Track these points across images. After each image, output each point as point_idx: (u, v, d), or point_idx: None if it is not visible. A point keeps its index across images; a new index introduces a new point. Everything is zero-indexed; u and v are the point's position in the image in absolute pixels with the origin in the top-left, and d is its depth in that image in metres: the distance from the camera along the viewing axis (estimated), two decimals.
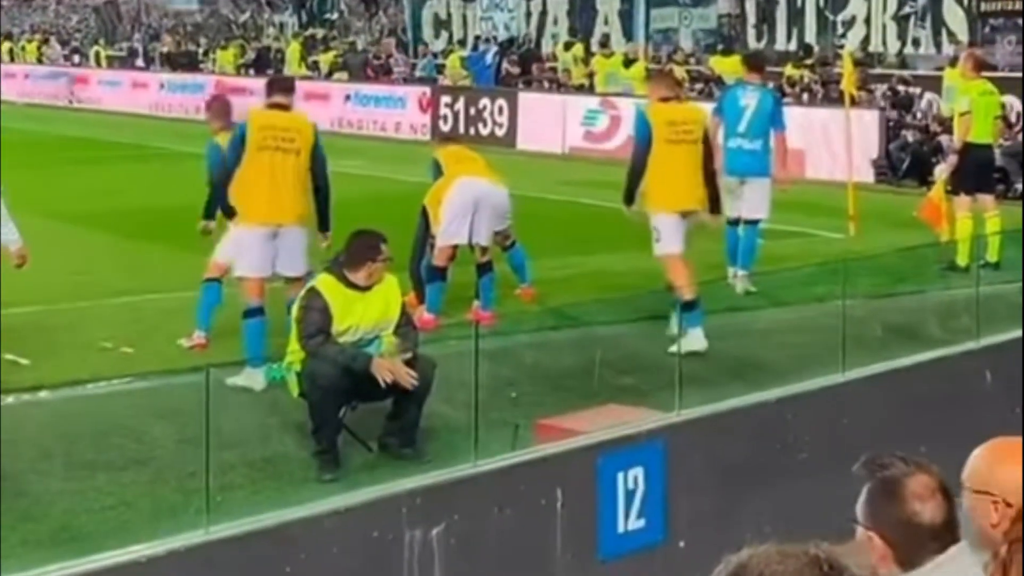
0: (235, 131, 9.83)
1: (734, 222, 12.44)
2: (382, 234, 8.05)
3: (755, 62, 13.47)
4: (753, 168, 12.46)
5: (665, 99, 10.61)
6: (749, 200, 12.40)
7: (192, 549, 5.27)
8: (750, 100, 12.55)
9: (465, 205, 10.98)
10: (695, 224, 10.68)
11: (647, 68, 25.11)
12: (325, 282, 7.88)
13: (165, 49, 40.14)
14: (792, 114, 21.13)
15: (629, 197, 10.54)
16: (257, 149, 9.53)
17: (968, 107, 13.45)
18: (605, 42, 30.43)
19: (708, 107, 12.86)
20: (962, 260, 12.81)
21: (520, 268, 12.07)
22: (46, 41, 45.33)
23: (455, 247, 11.07)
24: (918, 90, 22.08)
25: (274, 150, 9.57)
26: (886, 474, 3.44)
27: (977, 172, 13.45)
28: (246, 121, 9.79)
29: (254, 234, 9.56)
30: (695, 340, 9.83)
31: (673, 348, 8.98)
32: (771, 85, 24.13)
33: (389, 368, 7.54)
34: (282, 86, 10.21)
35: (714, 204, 10.63)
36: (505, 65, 30.27)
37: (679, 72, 26.21)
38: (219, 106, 11.09)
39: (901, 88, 22.16)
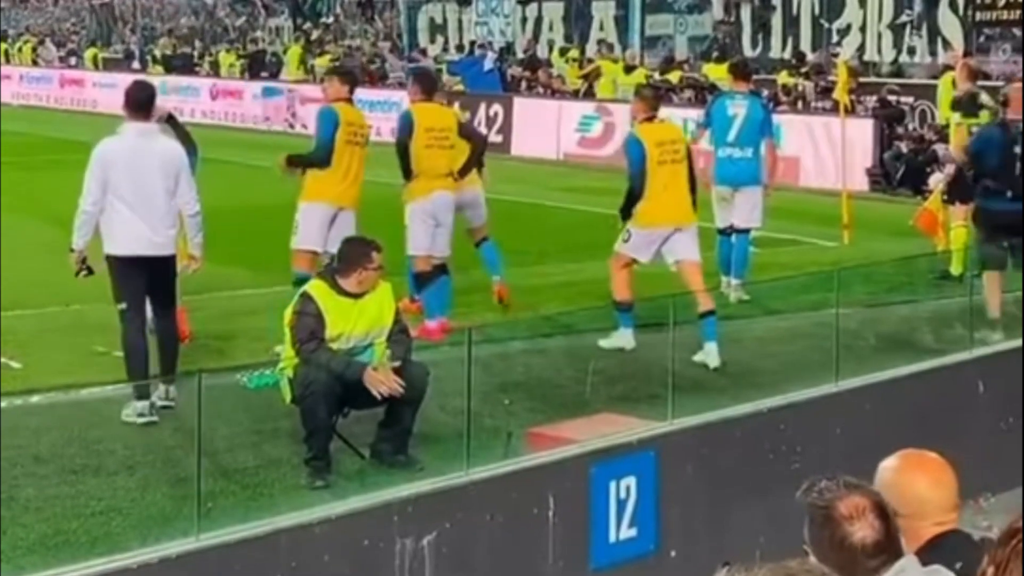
0: (325, 123, 10.53)
1: (726, 231, 12.48)
2: (375, 242, 8.01)
3: (742, 70, 13.37)
4: (743, 177, 12.44)
5: (650, 119, 10.70)
6: (740, 209, 12.43)
7: (183, 556, 5.27)
8: (739, 109, 12.52)
9: (428, 221, 10.90)
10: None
11: (637, 85, 24.92)
12: (317, 288, 7.85)
13: (160, 52, 40.11)
14: (786, 122, 21.28)
15: (627, 215, 10.59)
16: (344, 143, 10.52)
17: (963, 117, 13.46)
18: (612, 47, 30.40)
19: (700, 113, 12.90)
20: (956, 269, 12.81)
21: (492, 263, 12.02)
22: (42, 42, 45.32)
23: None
24: (911, 99, 22.10)
25: (354, 145, 10.62)
26: (818, 499, 3.51)
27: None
28: (336, 114, 10.51)
29: (317, 211, 10.46)
30: (621, 338, 10.38)
31: (603, 342, 10.38)
32: (764, 93, 24.23)
33: (382, 380, 7.52)
34: (350, 79, 11.06)
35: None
36: (514, 70, 30.33)
37: (674, 78, 26.25)
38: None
39: (892, 98, 22.17)
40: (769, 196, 12.79)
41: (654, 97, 11.21)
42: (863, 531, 3.44)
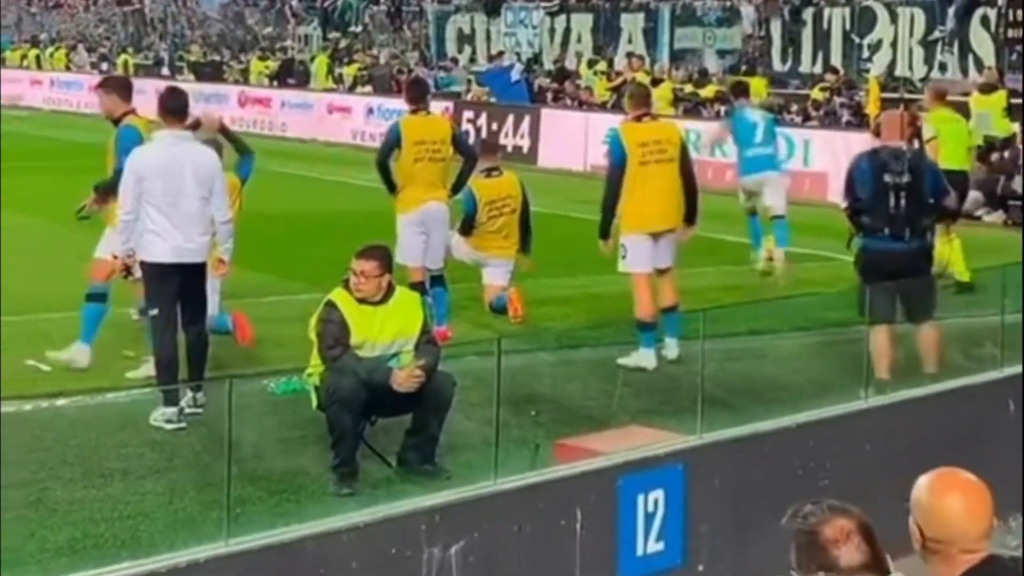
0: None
1: (752, 212, 14.63)
2: (364, 249, 7.91)
3: (738, 88, 16.25)
4: (768, 167, 14.64)
5: (639, 117, 10.51)
6: (774, 197, 14.37)
7: (211, 560, 5.27)
8: (758, 118, 15.01)
9: (419, 233, 10.92)
10: (682, 242, 10.72)
11: (623, 82, 25.14)
12: (340, 296, 7.85)
13: (192, 58, 40.28)
14: (816, 137, 21.24)
15: (604, 231, 10.38)
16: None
17: (933, 134, 13.88)
18: (642, 59, 30.38)
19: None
20: (963, 276, 13.30)
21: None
22: (74, 48, 45.59)
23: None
24: None
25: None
26: (803, 524, 3.52)
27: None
28: (142, 135, 9.41)
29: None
30: (643, 358, 10.22)
31: (622, 360, 10.13)
32: (795, 108, 24.28)
33: (410, 375, 7.51)
34: (128, 87, 10.11)
35: (690, 215, 10.50)
36: (541, 81, 30.38)
37: (709, 92, 26.19)
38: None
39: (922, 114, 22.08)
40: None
41: (643, 94, 11.11)
42: (850, 554, 3.45)
